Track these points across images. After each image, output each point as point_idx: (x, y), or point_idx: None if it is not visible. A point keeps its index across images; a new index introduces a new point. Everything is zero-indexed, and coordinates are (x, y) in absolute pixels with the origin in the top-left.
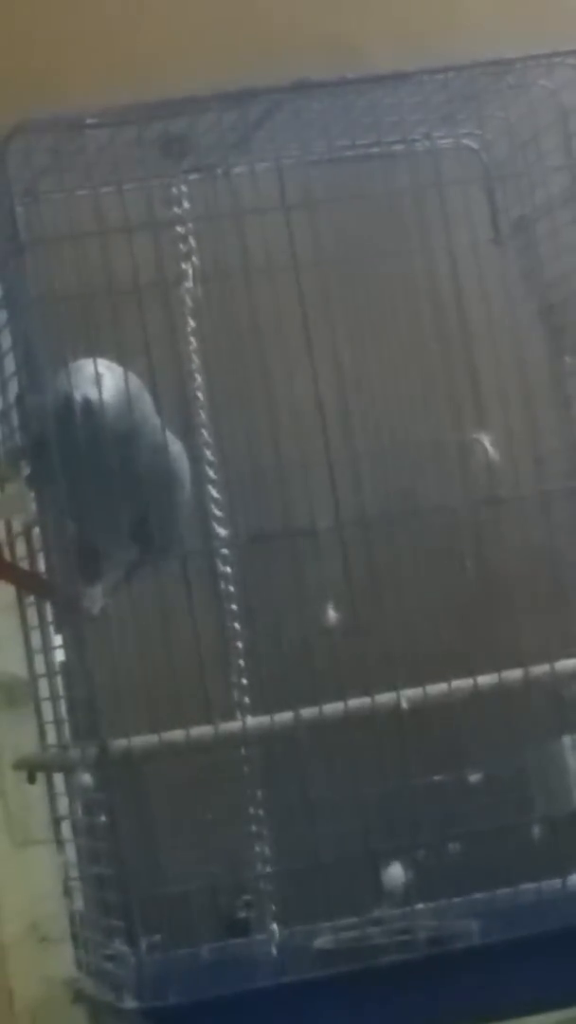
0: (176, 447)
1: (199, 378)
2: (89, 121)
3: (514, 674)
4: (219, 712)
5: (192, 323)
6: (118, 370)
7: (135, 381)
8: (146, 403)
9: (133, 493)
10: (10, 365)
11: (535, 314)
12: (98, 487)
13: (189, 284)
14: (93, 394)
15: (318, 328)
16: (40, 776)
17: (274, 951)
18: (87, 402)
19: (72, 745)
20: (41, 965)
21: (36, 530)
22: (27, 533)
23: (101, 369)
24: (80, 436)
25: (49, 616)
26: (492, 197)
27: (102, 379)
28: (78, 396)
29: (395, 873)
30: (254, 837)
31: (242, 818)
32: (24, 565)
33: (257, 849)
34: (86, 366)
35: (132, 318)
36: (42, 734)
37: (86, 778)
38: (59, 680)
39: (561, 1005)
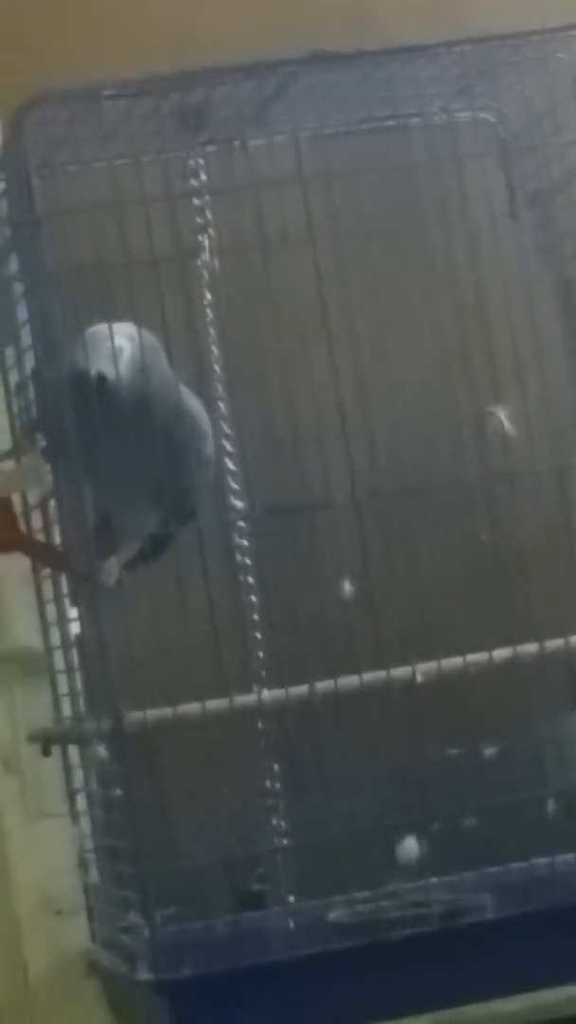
0: (195, 403)
1: (215, 351)
2: (106, 93)
3: (529, 648)
4: (234, 685)
5: (209, 296)
6: (133, 332)
7: (150, 341)
8: (162, 363)
9: (152, 450)
10: (27, 338)
11: (551, 288)
12: (115, 451)
13: (206, 256)
14: (109, 369)
15: (334, 301)
16: (55, 749)
17: (288, 924)
18: (102, 377)
19: (87, 717)
20: (56, 938)
21: (52, 502)
22: (43, 505)
23: (117, 340)
24: (96, 406)
25: (65, 589)
26: (509, 171)
27: (119, 350)
28: (94, 370)
29: (409, 847)
30: (269, 810)
31: (257, 791)
32: (40, 537)
33: (272, 822)
34: (102, 336)
35: (149, 291)
36: (57, 706)
37: (101, 751)
38: (74, 653)
39: (575, 980)
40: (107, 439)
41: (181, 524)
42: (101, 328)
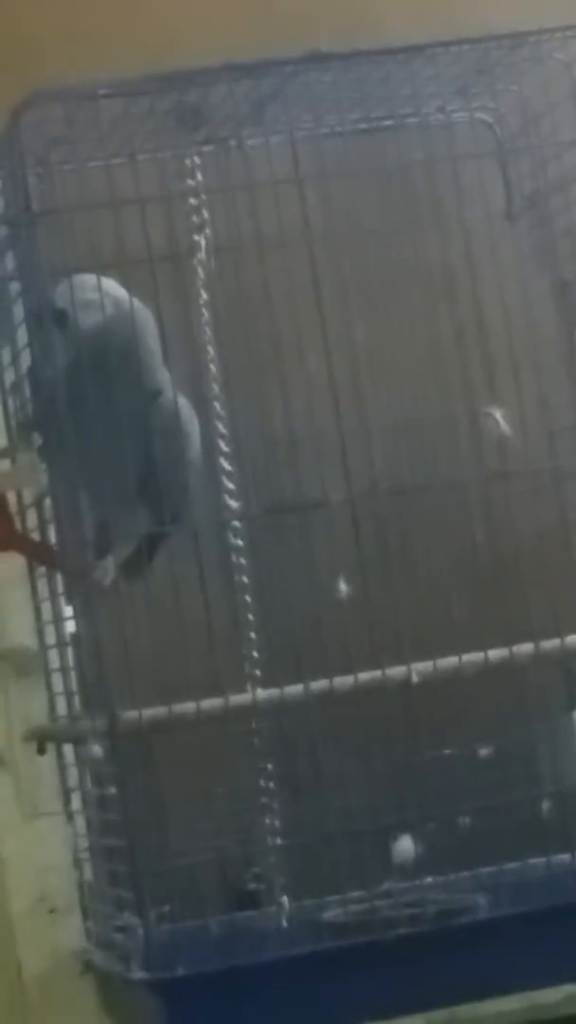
0: (185, 404)
1: (211, 350)
2: (102, 92)
3: (524, 648)
4: (229, 684)
5: (204, 295)
6: (121, 297)
7: (139, 305)
8: (150, 328)
9: (139, 446)
10: (22, 337)
11: (547, 289)
12: (104, 441)
13: (202, 256)
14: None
15: (330, 301)
16: (50, 747)
17: (283, 924)
18: (62, 312)
19: (82, 716)
20: (50, 937)
21: (47, 501)
22: (38, 504)
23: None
24: (86, 374)
25: (60, 587)
26: (505, 171)
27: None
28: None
29: (404, 847)
30: (264, 810)
31: (252, 791)
32: (35, 536)
33: (267, 822)
34: (85, 284)
35: (144, 290)
36: (52, 705)
37: (96, 749)
38: (69, 651)
39: (569, 980)
40: (96, 414)
41: (171, 523)
42: (88, 277)
